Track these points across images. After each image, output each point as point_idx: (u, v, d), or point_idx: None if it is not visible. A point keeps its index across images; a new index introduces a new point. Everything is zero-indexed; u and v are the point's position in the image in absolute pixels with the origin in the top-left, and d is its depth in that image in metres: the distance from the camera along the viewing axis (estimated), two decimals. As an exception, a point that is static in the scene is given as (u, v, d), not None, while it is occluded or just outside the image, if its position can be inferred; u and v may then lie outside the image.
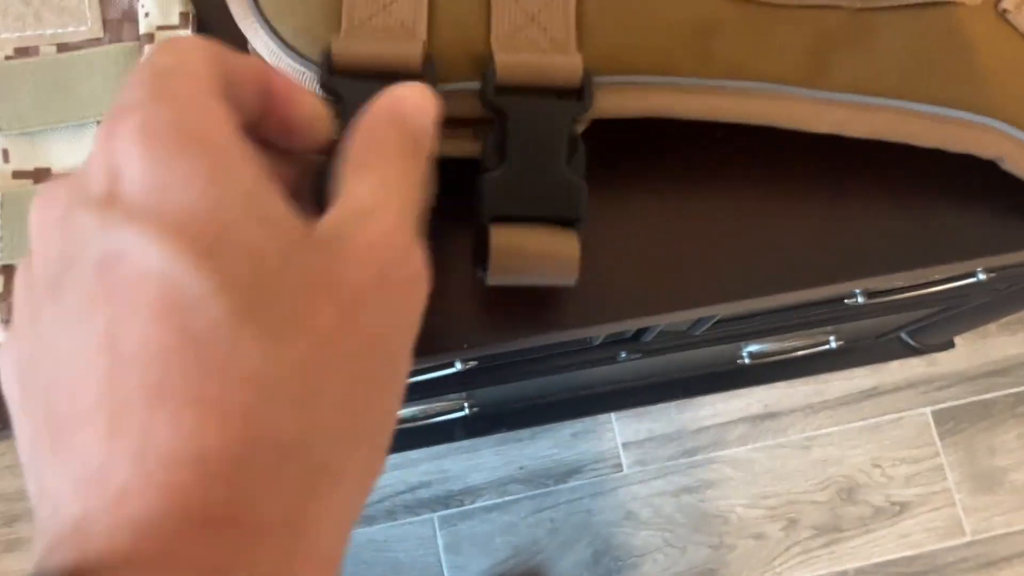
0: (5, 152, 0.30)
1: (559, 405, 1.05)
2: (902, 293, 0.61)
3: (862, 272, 0.35)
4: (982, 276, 0.60)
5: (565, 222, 0.27)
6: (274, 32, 0.28)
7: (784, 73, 0.31)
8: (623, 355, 0.73)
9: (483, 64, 0.28)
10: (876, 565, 1.09)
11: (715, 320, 0.62)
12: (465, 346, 0.32)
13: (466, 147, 0.29)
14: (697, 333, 0.67)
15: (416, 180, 0.20)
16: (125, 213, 0.15)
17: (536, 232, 0.27)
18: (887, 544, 1.09)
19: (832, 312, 0.67)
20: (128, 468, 0.14)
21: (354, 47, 0.27)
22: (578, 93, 0.28)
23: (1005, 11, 0.31)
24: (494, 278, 0.27)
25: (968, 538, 1.10)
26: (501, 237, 0.27)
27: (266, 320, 0.15)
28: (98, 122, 0.31)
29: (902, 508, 1.10)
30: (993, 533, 1.10)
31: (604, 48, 0.29)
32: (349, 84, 0.26)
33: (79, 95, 0.30)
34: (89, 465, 0.14)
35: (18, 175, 0.30)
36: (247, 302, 0.15)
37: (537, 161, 0.27)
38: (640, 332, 0.67)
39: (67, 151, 0.31)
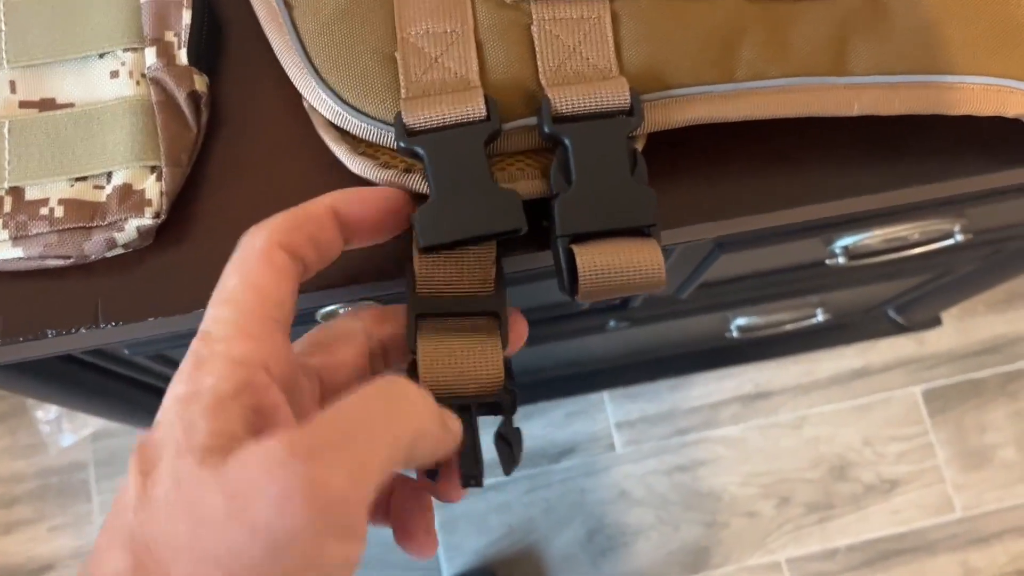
0: (12, 83, 0.32)
1: (552, 383, 1.07)
2: (883, 256, 0.62)
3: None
4: (959, 237, 0.61)
5: (640, 231, 0.29)
6: (335, 93, 0.30)
7: (811, 65, 0.32)
8: (612, 323, 0.74)
9: (535, 100, 0.30)
10: (867, 541, 1.10)
11: (699, 283, 0.64)
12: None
13: (535, 186, 0.30)
14: (683, 297, 0.68)
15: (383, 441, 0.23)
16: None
17: (617, 246, 0.28)
18: (878, 521, 1.11)
19: (814, 276, 0.69)
20: None
21: (422, 110, 0.29)
22: (628, 111, 0.30)
23: None
24: (585, 294, 0.28)
25: (958, 514, 1.11)
26: (585, 257, 0.28)
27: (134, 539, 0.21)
28: (100, 55, 0.32)
29: (893, 485, 1.12)
30: (983, 509, 1.11)
31: (643, 68, 0.31)
32: (424, 140, 0.28)
33: (83, 29, 0.32)
34: None
35: (24, 104, 0.32)
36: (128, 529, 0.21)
37: (602, 177, 0.28)
38: (627, 298, 0.68)
39: (71, 83, 0.32)
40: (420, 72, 0.30)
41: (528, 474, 1.12)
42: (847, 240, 0.60)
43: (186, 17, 0.32)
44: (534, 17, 0.31)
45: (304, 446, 0.20)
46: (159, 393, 0.67)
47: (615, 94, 0.29)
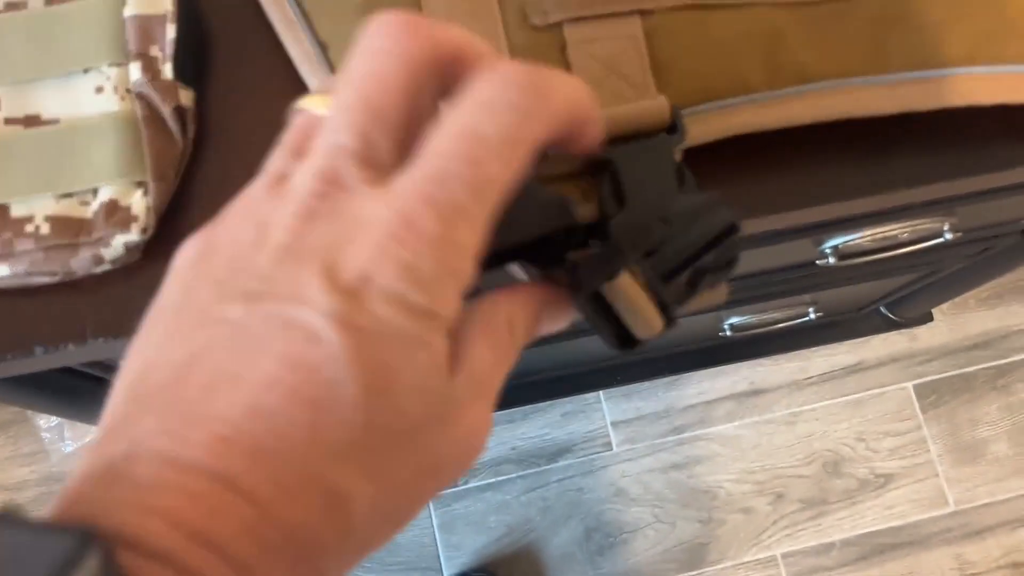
0: (-3, 100, 0.32)
1: (547, 384, 1.07)
2: (873, 255, 0.63)
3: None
4: (949, 236, 0.62)
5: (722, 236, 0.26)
6: None
7: (848, 66, 0.32)
8: (605, 325, 0.74)
9: None
10: (862, 536, 1.11)
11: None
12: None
13: (586, 209, 0.28)
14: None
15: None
16: (348, 306, 0.17)
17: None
18: (872, 516, 1.11)
19: (805, 276, 0.69)
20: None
21: None
22: (671, 127, 0.28)
23: None
24: (643, 333, 0.25)
25: (951, 508, 1.12)
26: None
27: (367, 461, 0.17)
28: (85, 71, 0.32)
29: (886, 480, 1.12)
30: (976, 503, 1.12)
31: (682, 82, 0.31)
32: None
33: (66, 45, 0.32)
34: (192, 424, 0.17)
35: (9, 121, 0.32)
36: (364, 445, 0.17)
37: (654, 196, 0.26)
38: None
39: (56, 99, 0.32)
40: None
41: (526, 474, 1.12)
42: (837, 240, 0.60)
43: (171, 31, 0.32)
44: (568, 40, 0.30)
45: None
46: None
47: (655, 113, 0.29)
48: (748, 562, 1.10)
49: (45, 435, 1.12)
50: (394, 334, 0.17)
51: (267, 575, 0.16)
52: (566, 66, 0.30)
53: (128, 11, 0.32)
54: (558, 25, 0.30)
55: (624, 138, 0.28)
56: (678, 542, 1.10)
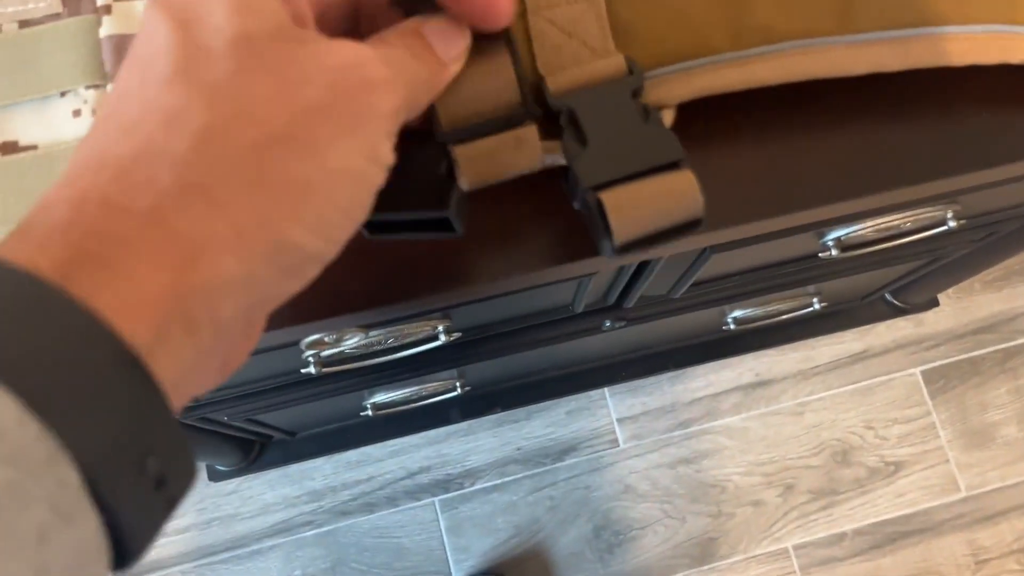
0: (-27, 128, 0.31)
1: (552, 383, 1.06)
2: (876, 245, 0.62)
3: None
4: (952, 224, 0.61)
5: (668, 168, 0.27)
6: None
7: (814, 26, 0.32)
8: (607, 323, 0.73)
9: (539, 89, 0.29)
10: (873, 525, 1.10)
11: (693, 282, 0.63)
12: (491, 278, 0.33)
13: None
14: (677, 296, 0.67)
15: (415, 78, 0.24)
16: None
17: (644, 180, 0.27)
18: (883, 504, 1.10)
19: (808, 269, 0.68)
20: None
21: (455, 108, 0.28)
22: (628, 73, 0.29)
23: None
24: (621, 233, 0.27)
25: (963, 494, 1.11)
26: (611, 197, 0.27)
27: (198, 76, 0.19)
28: (62, 94, 0.31)
29: (896, 468, 1.12)
30: (987, 488, 1.11)
31: (643, 45, 0.30)
32: (457, 135, 0.27)
33: (42, 69, 0.31)
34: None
35: (-13, 149, 0.31)
36: (186, 65, 0.19)
37: (616, 132, 0.27)
38: (622, 297, 0.67)
39: (33, 124, 0.31)
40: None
41: (532, 473, 1.12)
42: (839, 232, 0.59)
43: (148, 51, 0.31)
44: (528, 6, 0.30)
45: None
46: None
47: (613, 69, 0.29)
48: (759, 555, 1.09)
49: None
50: None
51: (118, 194, 0.18)
52: (525, 32, 0.30)
53: (104, 31, 0.31)
54: None
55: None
56: (688, 537, 1.10)
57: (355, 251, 0.32)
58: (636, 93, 0.29)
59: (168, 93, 0.19)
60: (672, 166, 0.27)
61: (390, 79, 0.22)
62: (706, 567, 1.09)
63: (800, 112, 0.36)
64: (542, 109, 0.29)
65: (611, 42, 0.30)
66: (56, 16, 0.32)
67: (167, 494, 0.17)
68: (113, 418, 0.15)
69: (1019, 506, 1.10)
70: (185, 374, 0.18)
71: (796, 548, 1.09)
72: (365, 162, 0.21)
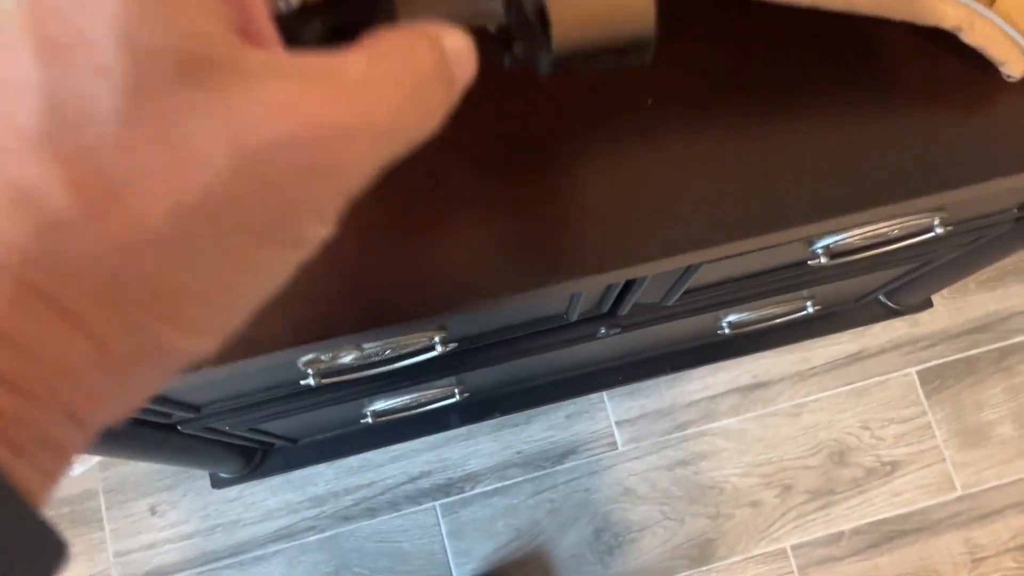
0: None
1: (550, 387, 1.07)
2: (864, 252, 0.63)
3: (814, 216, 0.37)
4: (939, 230, 0.62)
5: None
6: None
7: None
8: (602, 331, 0.75)
9: None
10: (871, 524, 1.11)
11: (685, 289, 0.64)
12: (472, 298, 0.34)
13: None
14: (670, 304, 0.69)
15: (416, 105, 0.18)
16: None
17: None
18: (880, 503, 1.12)
19: (799, 275, 0.69)
20: None
21: None
22: None
23: None
24: (560, 36, 0.23)
25: (959, 493, 1.12)
26: None
27: (67, 140, 0.14)
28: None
29: (893, 467, 1.13)
30: (984, 487, 1.12)
31: None
32: None
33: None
34: None
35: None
36: (55, 120, 0.14)
37: None
38: (616, 305, 0.69)
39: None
40: None
41: (532, 477, 1.13)
42: (827, 240, 0.60)
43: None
44: None
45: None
46: (160, 427, 0.68)
47: None
48: (758, 555, 1.10)
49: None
50: None
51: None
52: None
53: None
54: None
55: None
56: (687, 538, 1.11)
57: (345, 276, 0.33)
58: None
59: (25, 158, 0.14)
60: None
61: (354, 154, 0.16)
62: (705, 568, 1.10)
63: (781, 125, 0.37)
64: None
65: None
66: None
67: None
68: None
69: (1015, 504, 1.11)
70: (46, 475, 0.16)
71: (794, 548, 1.10)
72: (278, 257, 0.16)
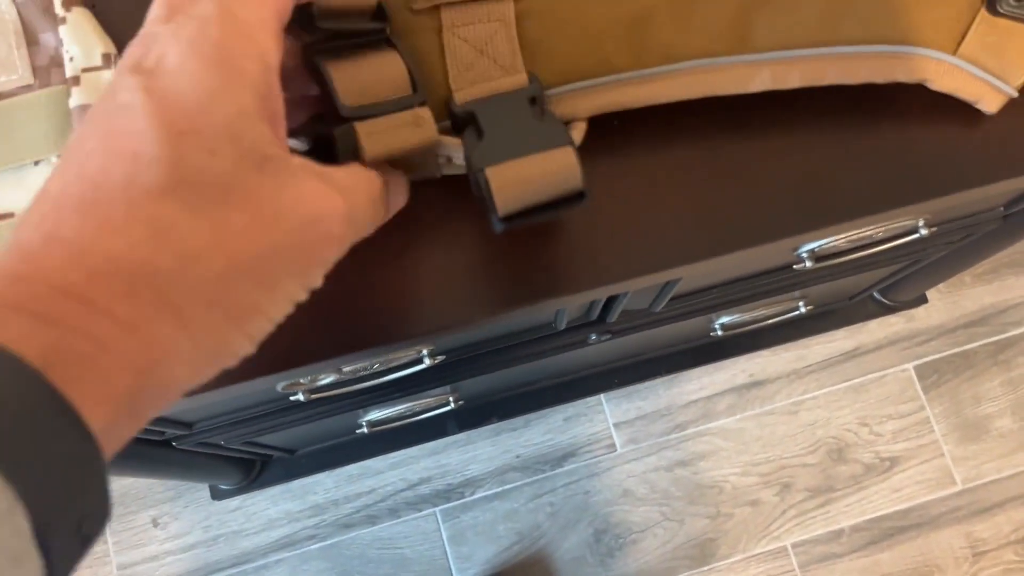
0: (-48, 198, 0.33)
1: (546, 392, 1.08)
2: (850, 255, 0.63)
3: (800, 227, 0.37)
4: (924, 231, 0.62)
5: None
6: None
7: (712, 46, 0.33)
8: (593, 337, 0.75)
9: (448, 103, 0.31)
10: (871, 521, 1.11)
11: (672, 295, 0.64)
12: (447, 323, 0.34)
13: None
14: (658, 310, 0.69)
15: (372, 210, 0.27)
16: (147, 78, 0.21)
17: (529, 158, 0.29)
18: (880, 500, 1.11)
19: (787, 278, 0.69)
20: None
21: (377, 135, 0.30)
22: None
23: None
24: (503, 205, 0.28)
25: (959, 487, 1.12)
26: (496, 173, 0.28)
27: (187, 197, 0.21)
28: (36, 163, 0.33)
29: (892, 463, 1.13)
30: (983, 480, 1.12)
31: (550, 62, 0.32)
32: (359, 112, 0.30)
33: (16, 139, 0.33)
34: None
35: (-34, 218, 0.33)
36: (178, 181, 0.21)
37: (511, 126, 0.30)
38: (604, 312, 0.69)
39: (9, 192, 0.33)
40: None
41: (532, 480, 1.13)
42: (812, 244, 0.60)
43: (115, 119, 0.33)
44: (443, 23, 0.32)
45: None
46: (155, 444, 0.69)
47: (518, 87, 0.31)
48: (759, 554, 1.10)
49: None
50: (185, 87, 0.21)
51: (102, 297, 0.19)
52: (440, 49, 0.32)
53: (74, 101, 0.33)
54: (436, 8, 0.32)
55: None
56: (688, 539, 1.11)
57: (316, 304, 0.33)
58: (534, 100, 0.31)
59: (159, 204, 0.20)
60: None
61: (347, 234, 0.24)
62: (706, 568, 1.10)
63: (755, 142, 0.37)
64: (449, 118, 0.31)
65: (520, 60, 0.32)
66: (28, 88, 0.33)
67: (88, 543, 0.20)
68: (66, 487, 0.18)
69: (1015, 497, 1.11)
70: (120, 447, 0.21)
71: (795, 546, 1.11)
72: (302, 292, 0.24)
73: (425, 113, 0.29)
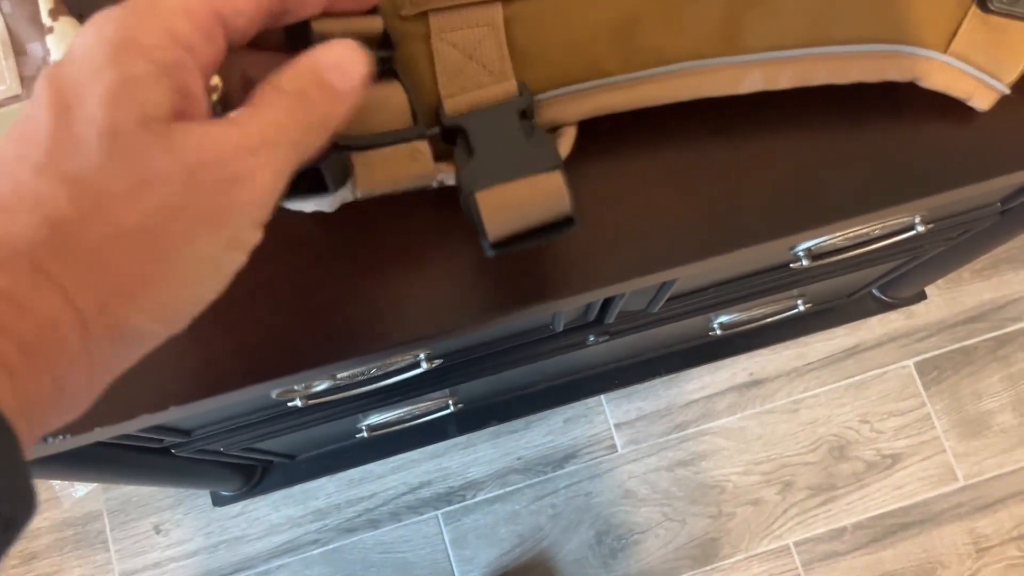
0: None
1: (545, 393, 1.08)
2: (845, 253, 0.63)
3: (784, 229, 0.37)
4: (921, 228, 0.62)
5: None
6: None
7: (702, 48, 0.33)
8: (591, 338, 0.75)
9: (438, 110, 0.31)
10: (873, 518, 1.11)
11: (669, 296, 0.64)
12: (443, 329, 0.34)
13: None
14: (655, 311, 0.69)
15: (303, 127, 0.24)
16: (55, 67, 0.22)
17: (518, 183, 0.29)
18: (882, 497, 1.11)
19: (784, 276, 0.69)
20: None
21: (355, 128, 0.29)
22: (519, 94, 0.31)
23: None
24: (493, 231, 0.29)
25: (961, 483, 1.11)
26: (486, 198, 0.28)
27: (65, 167, 0.21)
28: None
29: (894, 460, 1.12)
30: (985, 476, 1.11)
31: (539, 67, 0.32)
32: (357, 141, 0.29)
33: None
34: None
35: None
36: (59, 154, 0.21)
37: (501, 145, 0.29)
38: (602, 313, 0.69)
39: None
40: None
41: (533, 482, 1.13)
42: (808, 243, 0.60)
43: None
44: (432, 28, 0.32)
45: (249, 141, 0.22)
46: (154, 452, 0.69)
47: (508, 94, 0.31)
48: (761, 553, 1.10)
49: (55, 482, 1.13)
50: (77, 66, 0.21)
51: (7, 283, 0.20)
52: (429, 55, 0.31)
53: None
54: (424, 14, 0.32)
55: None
56: (690, 539, 1.11)
57: (308, 311, 0.33)
58: (524, 114, 0.31)
59: (37, 179, 0.21)
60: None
61: (260, 164, 0.22)
62: (709, 567, 1.10)
63: (749, 139, 0.37)
64: (439, 127, 0.30)
65: (509, 65, 0.32)
66: (16, 98, 0.33)
67: (10, 531, 0.19)
68: None
69: (1017, 493, 1.11)
70: (33, 428, 0.21)
71: (797, 545, 1.10)
72: (222, 253, 0.22)
73: (423, 147, 0.29)
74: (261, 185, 0.23)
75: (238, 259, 0.23)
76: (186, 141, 0.21)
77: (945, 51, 0.34)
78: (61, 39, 0.33)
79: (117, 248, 0.21)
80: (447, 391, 0.84)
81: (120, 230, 0.21)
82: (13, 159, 0.21)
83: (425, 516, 1.12)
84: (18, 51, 0.34)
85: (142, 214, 0.21)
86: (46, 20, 0.33)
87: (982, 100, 0.35)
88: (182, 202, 0.21)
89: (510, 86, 0.31)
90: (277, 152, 0.23)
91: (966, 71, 0.34)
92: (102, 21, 0.22)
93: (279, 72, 0.24)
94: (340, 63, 0.25)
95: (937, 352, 1.16)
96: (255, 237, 0.23)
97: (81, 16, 0.34)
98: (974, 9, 0.34)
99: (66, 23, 0.33)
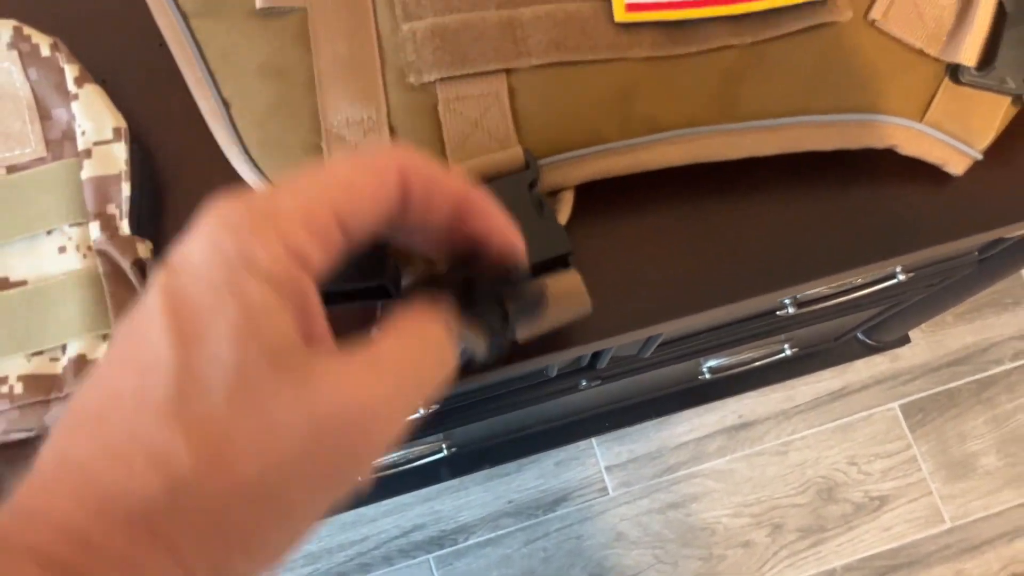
0: (-33, 267, 0.34)
1: (537, 437, 1.08)
2: (829, 301, 0.65)
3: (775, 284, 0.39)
4: (901, 277, 0.64)
5: (558, 261, 0.32)
6: (258, 170, 0.33)
7: (697, 115, 0.35)
8: (583, 383, 0.76)
9: None
10: (862, 560, 1.11)
11: (659, 342, 0.66)
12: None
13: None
14: (646, 356, 0.70)
15: (426, 385, 0.23)
16: (169, 275, 0.20)
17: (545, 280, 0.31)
18: (871, 539, 1.12)
19: (771, 322, 0.71)
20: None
21: None
22: (525, 166, 0.33)
23: (874, 21, 0.36)
24: (522, 335, 0.30)
25: (948, 525, 1.13)
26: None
27: (187, 415, 0.19)
28: (48, 232, 0.34)
29: (881, 502, 1.13)
30: (972, 518, 1.13)
31: (541, 133, 0.34)
32: None
33: (30, 209, 0.34)
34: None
35: (-20, 286, 0.34)
36: (181, 397, 0.19)
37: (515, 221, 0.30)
38: (594, 359, 0.70)
39: (22, 261, 0.34)
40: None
41: (524, 525, 1.13)
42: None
43: (125, 189, 0.34)
44: (440, 98, 0.33)
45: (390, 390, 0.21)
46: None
47: (513, 160, 0.33)
48: (752, 596, 1.10)
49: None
50: (198, 284, 0.19)
51: (102, 535, 0.18)
52: (437, 123, 0.33)
53: (85, 173, 0.34)
54: (432, 84, 0.33)
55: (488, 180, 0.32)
56: (681, 582, 1.11)
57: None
58: (532, 184, 0.33)
59: (158, 425, 0.19)
60: (561, 260, 0.31)
61: (391, 419, 0.21)
62: (700, 611, 1.10)
63: (737, 199, 0.39)
64: None
65: (513, 133, 0.33)
66: (41, 160, 0.35)
67: None
68: None
69: (1004, 534, 1.12)
70: None
71: (788, 587, 1.11)
72: (332, 501, 0.21)
73: None
74: (386, 434, 0.21)
75: (342, 499, 0.22)
76: (318, 387, 0.20)
77: (920, 120, 0.36)
78: (86, 105, 0.35)
79: (234, 504, 0.19)
80: (440, 435, 0.85)
81: (239, 484, 0.19)
82: (131, 394, 0.19)
83: (417, 560, 1.12)
84: (43, 115, 0.35)
85: (264, 466, 0.19)
86: (71, 87, 0.35)
87: (956, 166, 0.37)
88: (306, 455, 0.19)
89: (515, 152, 0.33)
90: (406, 404, 0.22)
91: (940, 139, 0.36)
92: (219, 229, 0.20)
93: (410, 323, 0.23)
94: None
95: (922, 395, 1.18)
96: (367, 475, 0.22)
97: (105, 82, 0.36)
98: (947, 81, 0.37)
99: (91, 90, 0.35)
